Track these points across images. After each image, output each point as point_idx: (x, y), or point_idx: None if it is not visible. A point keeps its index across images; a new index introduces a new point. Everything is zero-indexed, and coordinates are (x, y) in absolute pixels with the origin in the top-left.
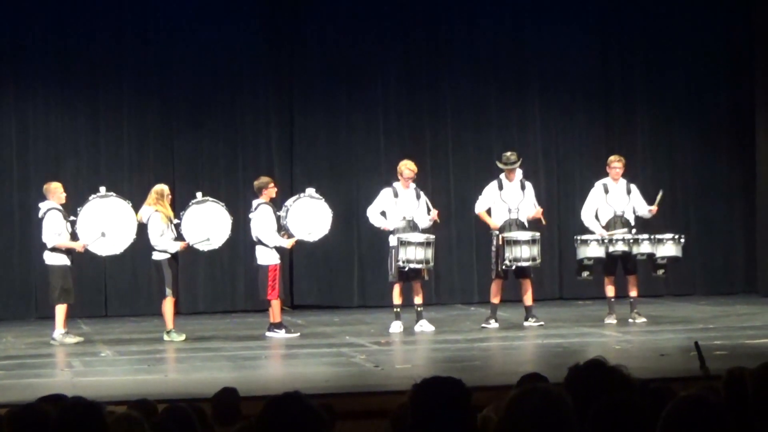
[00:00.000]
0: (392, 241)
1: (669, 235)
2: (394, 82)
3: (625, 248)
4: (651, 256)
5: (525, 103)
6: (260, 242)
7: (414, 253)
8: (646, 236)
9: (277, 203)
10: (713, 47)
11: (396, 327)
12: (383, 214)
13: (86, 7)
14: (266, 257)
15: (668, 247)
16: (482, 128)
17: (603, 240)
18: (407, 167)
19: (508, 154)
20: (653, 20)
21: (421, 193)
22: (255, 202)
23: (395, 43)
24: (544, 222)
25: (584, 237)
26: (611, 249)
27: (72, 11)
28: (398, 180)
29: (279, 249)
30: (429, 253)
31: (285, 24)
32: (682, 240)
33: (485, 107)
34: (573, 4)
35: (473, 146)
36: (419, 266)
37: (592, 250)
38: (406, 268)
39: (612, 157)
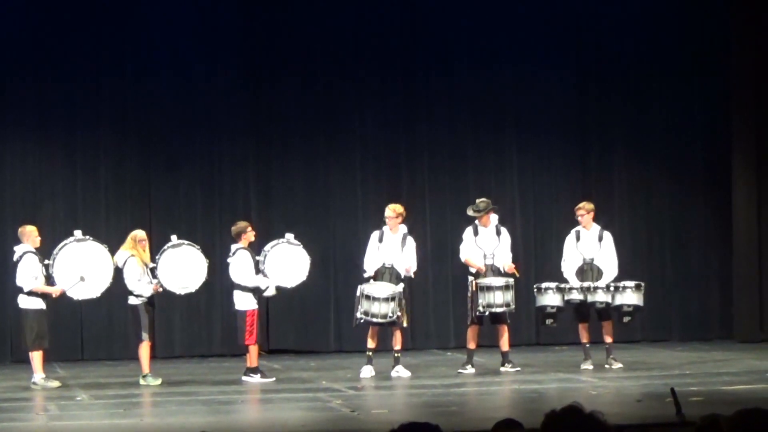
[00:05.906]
0: (358, 290)
1: (631, 283)
2: (371, 127)
3: (581, 297)
4: (608, 305)
5: (501, 147)
6: (238, 287)
7: (378, 308)
8: (602, 285)
9: (254, 247)
10: (691, 95)
11: (366, 372)
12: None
13: (64, 51)
14: (244, 302)
15: (628, 295)
16: (459, 172)
17: (559, 288)
18: (389, 208)
19: (478, 201)
20: (631, 67)
21: (409, 239)
22: (233, 247)
23: (372, 87)
24: (518, 274)
25: (542, 285)
26: (567, 297)
27: (49, 55)
28: (386, 224)
29: (256, 294)
30: (391, 306)
31: (262, 68)
32: (642, 287)
33: (462, 151)
34: (550, 50)
35: (450, 190)
36: (378, 320)
37: (550, 299)
38: (363, 320)
39: (578, 205)
